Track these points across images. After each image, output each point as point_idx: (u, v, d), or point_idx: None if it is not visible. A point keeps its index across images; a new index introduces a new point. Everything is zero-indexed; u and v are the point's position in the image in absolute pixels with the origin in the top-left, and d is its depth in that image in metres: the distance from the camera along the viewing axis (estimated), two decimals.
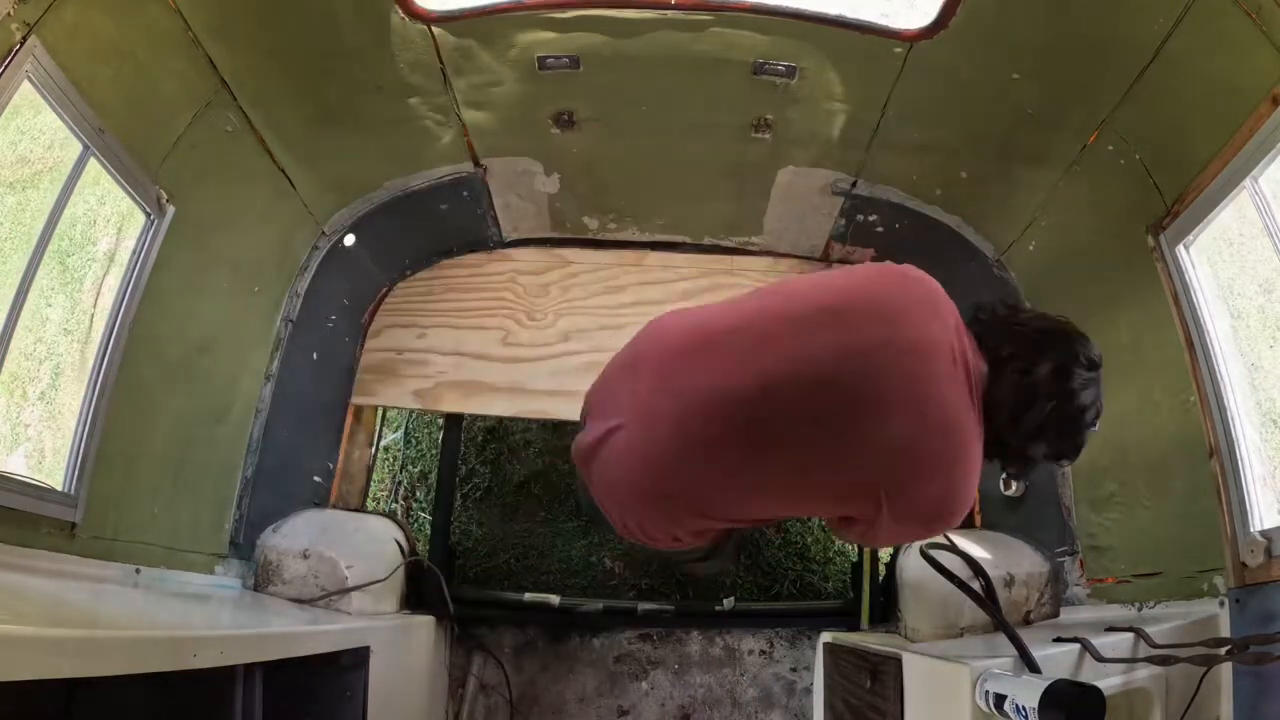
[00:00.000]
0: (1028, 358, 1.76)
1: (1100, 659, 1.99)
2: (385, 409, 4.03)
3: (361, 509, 3.70)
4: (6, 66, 1.84)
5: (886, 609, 3.36)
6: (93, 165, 2.22)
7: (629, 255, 3.97)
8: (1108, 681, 1.97)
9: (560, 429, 4.77)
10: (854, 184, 3.46)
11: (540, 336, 3.81)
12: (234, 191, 2.84)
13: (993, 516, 3.41)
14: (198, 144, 2.57)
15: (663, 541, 1.99)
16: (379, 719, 2.54)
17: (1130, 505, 2.59)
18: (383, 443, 4.38)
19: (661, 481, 1.84)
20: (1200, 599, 2.21)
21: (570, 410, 3.67)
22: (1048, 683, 1.63)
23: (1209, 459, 2.21)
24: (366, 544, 3.14)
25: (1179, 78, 2.25)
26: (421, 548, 3.48)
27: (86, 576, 2.14)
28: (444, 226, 3.79)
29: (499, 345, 3.79)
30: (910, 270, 1.93)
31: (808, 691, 3.64)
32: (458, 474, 4.12)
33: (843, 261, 3.93)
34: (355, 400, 3.63)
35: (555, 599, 3.56)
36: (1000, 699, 1.72)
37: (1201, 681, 1.98)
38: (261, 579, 2.93)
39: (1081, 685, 1.63)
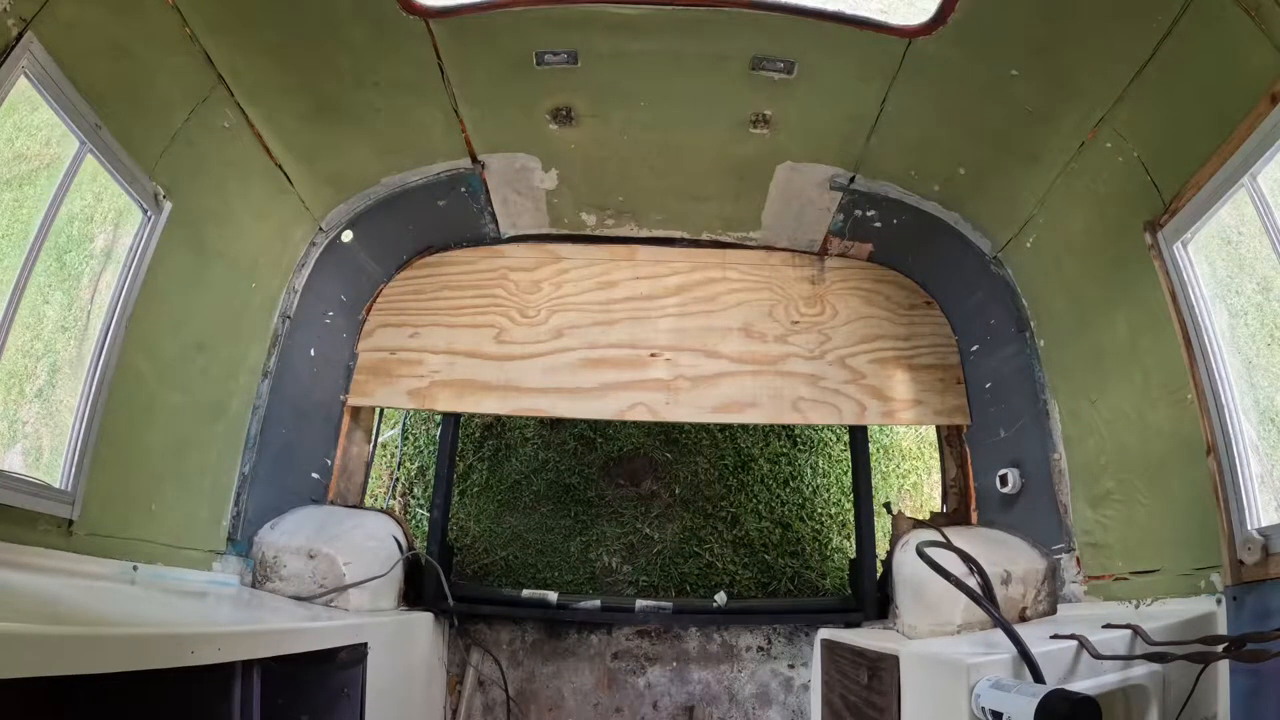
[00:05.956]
0: None
1: (1097, 656, 1.99)
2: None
3: (360, 505, 3.70)
4: (3, 62, 1.84)
5: (883, 605, 3.37)
6: (90, 161, 2.22)
7: (620, 250, 3.97)
8: (1105, 679, 1.97)
9: (558, 425, 4.78)
10: (852, 179, 3.46)
11: (533, 334, 3.81)
12: (231, 188, 2.84)
13: (989, 513, 3.43)
14: (195, 140, 2.57)
15: None
16: (377, 715, 2.54)
17: (1128, 502, 2.59)
18: (381, 439, 4.38)
19: None
20: (1197, 596, 2.20)
21: (565, 407, 3.72)
22: (1040, 695, 1.62)
23: (1206, 456, 2.20)
24: (365, 541, 3.14)
25: (1178, 75, 2.24)
26: (419, 544, 3.48)
27: (84, 574, 2.14)
28: (442, 223, 3.79)
29: (492, 343, 3.79)
30: None
31: (805, 688, 3.65)
32: (455, 470, 4.12)
33: (841, 256, 3.94)
34: (351, 401, 3.64)
35: (553, 595, 3.56)
36: (997, 715, 1.72)
37: (1198, 679, 1.98)
38: (259, 576, 2.94)
39: (1075, 696, 1.62)
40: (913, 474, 4.89)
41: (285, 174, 3.07)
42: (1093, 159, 2.64)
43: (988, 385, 3.52)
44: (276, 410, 3.15)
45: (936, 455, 4.06)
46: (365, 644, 2.53)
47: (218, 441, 2.91)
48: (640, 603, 3.57)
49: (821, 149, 3.33)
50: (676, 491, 4.67)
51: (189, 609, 2.32)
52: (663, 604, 3.57)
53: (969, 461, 3.60)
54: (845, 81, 2.92)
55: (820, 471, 4.72)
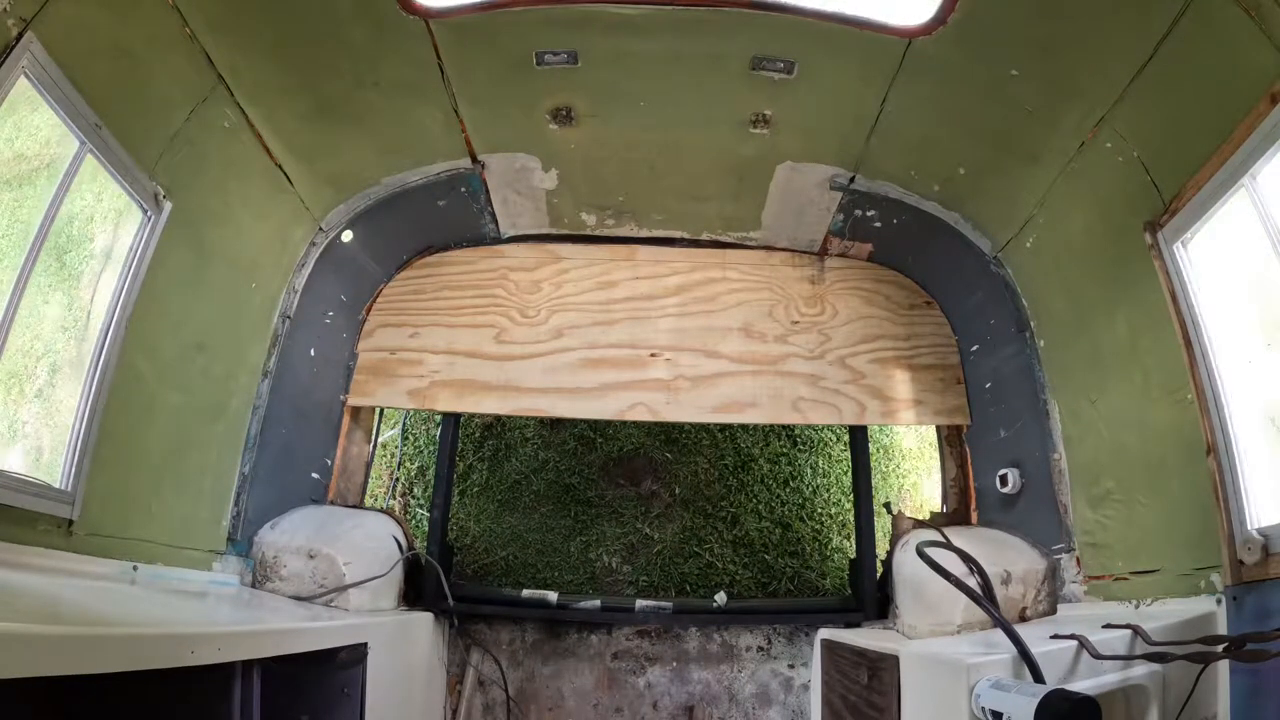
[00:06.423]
0: None
1: (1097, 656, 1.99)
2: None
3: (360, 505, 3.70)
4: (3, 62, 1.84)
5: (883, 605, 3.37)
6: (90, 161, 2.22)
7: (620, 250, 3.98)
8: (1104, 679, 1.97)
9: (558, 425, 4.78)
10: (852, 179, 3.46)
11: (533, 334, 3.82)
12: (231, 188, 2.84)
13: (989, 513, 3.43)
14: (195, 140, 2.57)
15: None
16: (377, 715, 2.54)
17: (1127, 502, 2.59)
18: (381, 439, 4.38)
19: None
20: (1197, 596, 2.21)
21: (565, 407, 3.72)
22: (1040, 695, 1.61)
23: (1206, 456, 2.20)
24: (365, 541, 3.14)
25: (1177, 75, 2.24)
26: (419, 544, 3.48)
27: (83, 574, 2.14)
28: (442, 223, 3.79)
29: (492, 343, 3.80)
30: None
31: (805, 688, 3.65)
32: (455, 470, 4.12)
33: (841, 256, 3.95)
34: (351, 401, 3.65)
35: (553, 595, 3.57)
36: (997, 715, 1.72)
37: (1198, 679, 1.98)
38: (259, 576, 2.94)
39: (1075, 696, 1.62)
40: (913, 474, 4.90)
41: (285, 174, 3.07)
42: (1093, 159, 2.64)
43: (988, 385, 3.52)
44: (276, 410, 3.16)
45: (936, 455, 4.07)
46: (365, 644, 2.54)
47: (218, 441, 2.91)
48: (640, 603, 3.57)
49: (821, 149, 3.33)
50: (676, 491, 4.67)
51: (189, 609, 2.32)
52: (663, 604, 3.57)
53: (969, 461, 3.61)
54: (845, 81, 2.92)
55: (820, 471, 4.72)
